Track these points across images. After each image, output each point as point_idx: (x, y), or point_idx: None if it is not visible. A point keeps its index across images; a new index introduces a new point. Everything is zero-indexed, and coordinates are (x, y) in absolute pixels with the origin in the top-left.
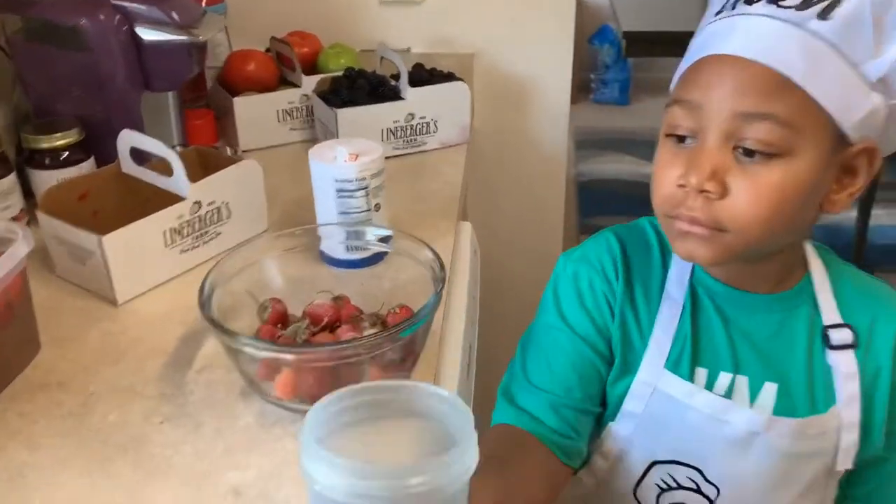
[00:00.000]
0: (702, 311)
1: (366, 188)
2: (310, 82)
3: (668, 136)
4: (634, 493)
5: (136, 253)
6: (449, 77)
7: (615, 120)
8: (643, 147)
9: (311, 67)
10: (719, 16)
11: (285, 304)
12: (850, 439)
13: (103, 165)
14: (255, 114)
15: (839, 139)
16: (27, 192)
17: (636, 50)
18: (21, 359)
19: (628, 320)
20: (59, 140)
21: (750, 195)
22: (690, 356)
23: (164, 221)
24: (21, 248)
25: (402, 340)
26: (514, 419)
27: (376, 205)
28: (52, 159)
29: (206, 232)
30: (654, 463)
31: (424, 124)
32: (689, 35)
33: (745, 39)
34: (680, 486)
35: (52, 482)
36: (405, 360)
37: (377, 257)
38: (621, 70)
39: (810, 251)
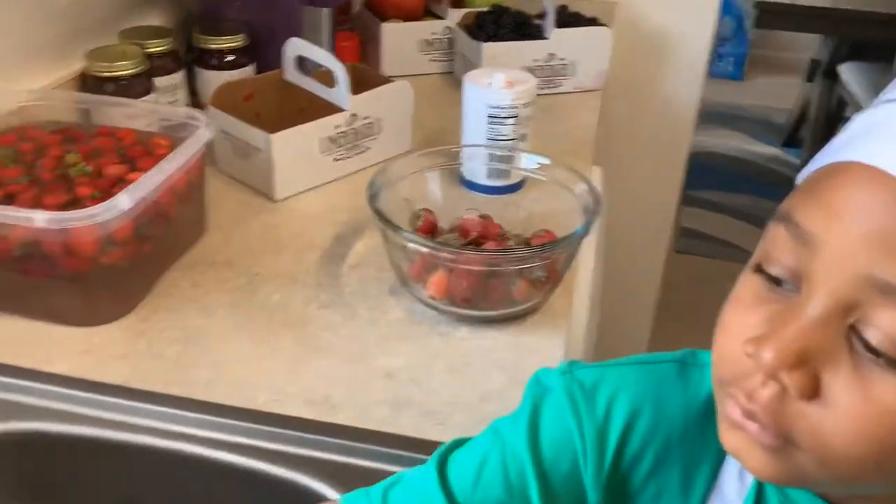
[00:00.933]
0: None
1: (516, 116)
2: (455, 15)
3: (757, 267)
4: None
5: (296, 154)
6: (592, 21)
7: (727, 94)
8: (753, 125)
9: (457, 1)
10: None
11: (436, 217)
12: None
13: (262, 72)
14: (399, 41)
15: None
16: (191, 90)
17: (768, 21)
18: (192, 236)
19: None
20: (227, 43)
21: (851, 412)
22: None
23: (324, 129)
24: (205, 133)
25: (551, 259)
26: None
27: (523, 135)
28: (218, 60)
29: (358, 145)
30: None
31: (563, 66)
32: (828, 13)
33: None
34: None
35: (224, 346)
36: (548, 281)
37: (515, 187)
38: (739, 44)
39: None
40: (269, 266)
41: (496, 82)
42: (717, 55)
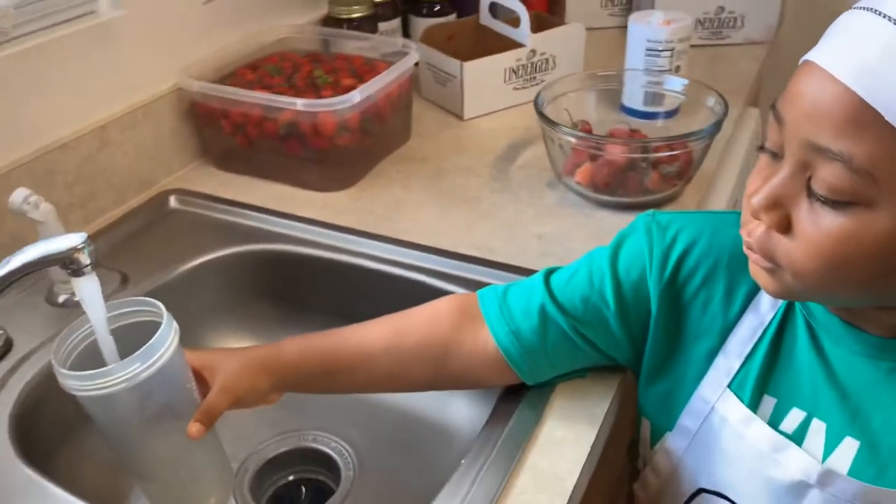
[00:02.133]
0: (791, 333)
1: (671, 50)
2: None
3: (761, 146)
4: None
5: (483, 81)
6: None
7: None
8: None
9: None
10: (858, 4)
11: (591, 127)
12: None
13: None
14: None
15: None
16: (405, 35)
17: None
18: (400, 139)
19: (686, 320)
20: None
21: (810, 240)
22: (758, 379)
23: (507, 61)
24: (413, 56)
25: (681, 151)
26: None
27: (677, 67)
28: (427, 9)
29: (535, 77)
30: (700, 491)
31: (732, 18)
32: None
33: (842, 49)
34: None
35: (417, 212)
36: (681, 177)
37: (670, 114)
38: None
39: None
40: (454, 162)
41: (655, 20)
42: None
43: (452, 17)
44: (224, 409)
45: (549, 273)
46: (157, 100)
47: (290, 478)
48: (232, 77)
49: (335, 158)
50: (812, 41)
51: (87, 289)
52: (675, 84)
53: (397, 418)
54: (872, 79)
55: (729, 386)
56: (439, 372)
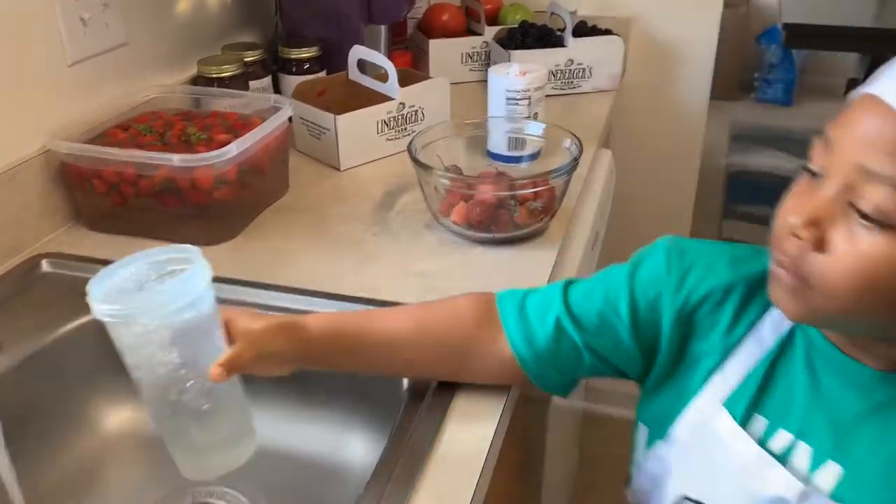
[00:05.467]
0: (789, 359)
1: (529, 98)
2: (490, 32)
3: (805, 167)
4: None
5: (357, 133)
6: (607, 32)
7: (776, 119)
8: (800, 145)
9: (493, 21)
10: None
11: (462, 171)
12: None
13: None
14: (444, 54)
15: None
16: (276, 92)
17: (796, 42)
18: (278, 191)
19: (693, 340)
20: (305, 53)
21: (846, 259)
22: (752, 399)
23: (378, 114)
24: (288, 111)
25: (544, 188)
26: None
27: (535, 113)
28: (297, 67)
29: (405, 128)
30: (686, 499)
31: (581, 69)
32: (857, 32)
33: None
34: None
35: (300, 260)
36: (546, 212)
37: (532, 157)
38: (787, 71)
39: None
40: (335, 211)
41: (512, 71)
42: (765, 81)
43: (322, 74)
44: (248, 360)
45: (568, 285)
46: (23, 163)
47: None
48: (102, 137)
49: (214, 212)
50: (651, 86)
51: None
52: (536, 129)
53: (291, 464)
54: None
55: (723, 403)
56: (456, 365)
